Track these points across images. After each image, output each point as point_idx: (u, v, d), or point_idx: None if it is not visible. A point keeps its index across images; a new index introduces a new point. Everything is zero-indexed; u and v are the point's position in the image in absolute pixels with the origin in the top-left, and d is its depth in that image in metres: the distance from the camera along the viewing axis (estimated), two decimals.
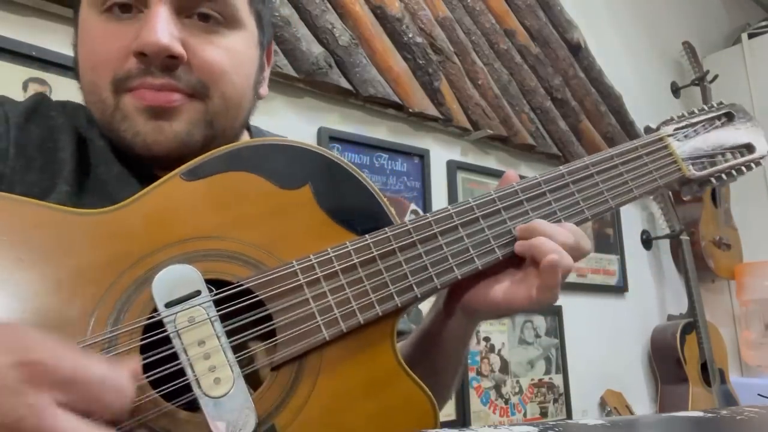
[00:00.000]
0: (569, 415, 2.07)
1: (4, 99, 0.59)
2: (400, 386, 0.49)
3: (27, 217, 0.44)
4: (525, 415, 1.94)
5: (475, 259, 0.54)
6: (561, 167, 0.60)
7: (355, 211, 0.52)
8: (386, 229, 0.52)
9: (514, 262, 0.57)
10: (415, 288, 0.51)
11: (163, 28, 0.51)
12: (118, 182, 0.57)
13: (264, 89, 0.66)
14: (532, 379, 1.99)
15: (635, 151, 0.65)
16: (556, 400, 2.05)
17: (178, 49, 0.52)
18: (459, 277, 0.53)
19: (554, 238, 0.54)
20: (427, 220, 0.54)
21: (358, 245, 0.50)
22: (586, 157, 0.62)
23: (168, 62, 0.53)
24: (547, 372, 2.05)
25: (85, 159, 0.58)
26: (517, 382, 1.94)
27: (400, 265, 0.51)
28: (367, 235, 0.51)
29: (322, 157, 0.53)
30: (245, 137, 0.68)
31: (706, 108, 0.71)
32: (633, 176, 0.63)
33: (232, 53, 0.57)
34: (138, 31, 0.52)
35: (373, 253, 0.50)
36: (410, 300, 0.51)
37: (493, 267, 0.56)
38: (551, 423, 0.39)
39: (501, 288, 0.56)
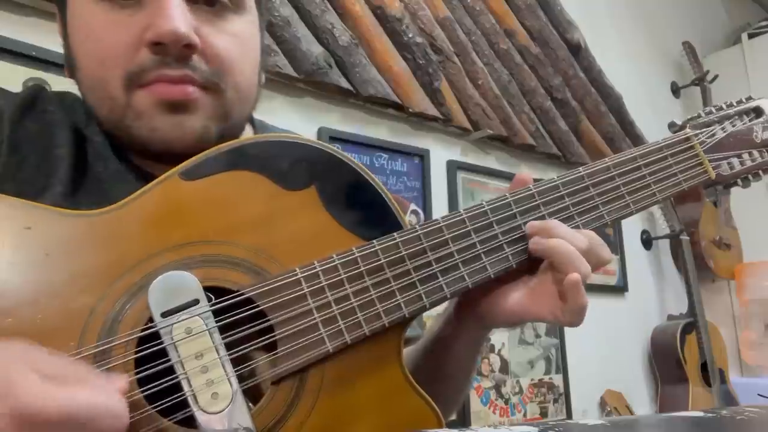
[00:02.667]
0: (569, 415, 2.07)
1: None
2: (407, 401, 0.47)
3: (17, 218, 0.42)
4: (525, 415, 1.94)
5: (488, 267, 0.52)
6: (581, 168, 0.57)
7: (363, 214, 0.49)
8: (395, 234, 0.49)
9: (528, 266, 0.54)
10: (424, 298, 0.49)
11: (179, 15, 0.48)
12: (115, 181, 0.54)
13: (261, 76, 0.63)
14: (532, 379, 1.99)
15: (660, 152, 0.61)
16: (556, 400, 2.05)
17: (195, 37, 0.49)
18: (470, 286, 0.51)
19: (571, 241, 0.51)
20: (438, 225, 0.51)
21: (365, 252, 0.48)
22: (607, 157, 0.59)
23: (184, 52, 0.50)
24: (547, 372, 2.05)
25: (82, 156, 0.55)
26: (517, 382, 1.94)
27: (409, 273, 0.49)
28: (374, 241, 0.48)
29: (329, 155, 0.49)
30: (248, 131, 0.65)
31: (734, 102, 0.67)
32: (656, 179, 0.60)
33: (241, 40, 0.54)
34: (148, 19, 0.49)
35: (380, 260, 0.48)
36: (418, 310, 0.49)
37: (509, 273, 0.54)
38: (551, 423, 0.38)
39: (516, 297, 0.54)
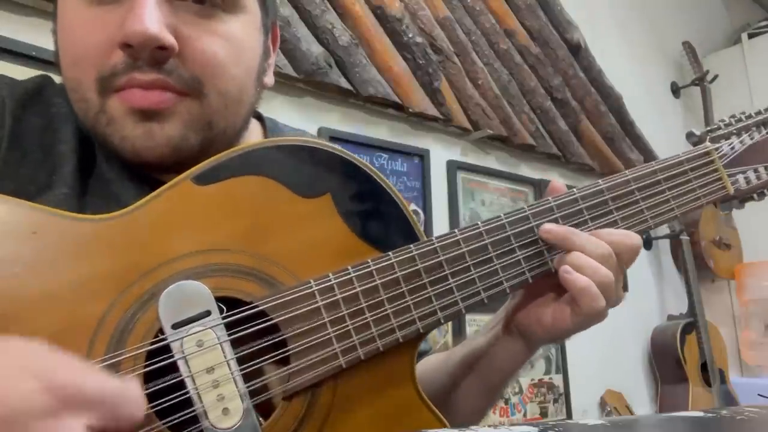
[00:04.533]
0: (569, 415, 2.07)
1: (2, 81, 0.53)
2: (418, 417, 0.46)
3: (24, 222, 0.41)
4: (525, 415, 1.94)
5: (504, 282, 0.51)
6: (600, 181, 0.57)
7: (379, 224, 0.48)
8: (411, 247, 0.48)
9: (546, 279, 0.54)
10: (439, 312, 0.48)
11: (150, 15, 0.45)
12: (121, 181, 0.52)
13: (269, 78, 0.59)
14: (532, 379, 1.99)
15: (680, 166, 0.60)
16: (556, 400, 2.05)
17: (168, 39, 0.46)
18: (485, 302, 0.50)
19: (585, 250, 0.51)
20: (456, 238, 0.50)
21: (381, 265, 0.46)
22: (628, 170, 0.58)
23: (157, 54, 0.46)
24: (547, 372, 2.05)
25: (89, 155, 0.52)
26: (517, 381, 1.94)
27: (425, 287, 0.48)
28: (390, 253, 0.47)
29: (345, 161, 0.48)
30: (256, 131, 0.63)
31: (752, 114, 0.67)
32: (675, 194, 0.59)
33: (232, 42, 0.50)
34: (123, 18, 0.45)
35: (396, 273, 0.47)
36: (433, 325, 0.48)
37: (543, 285, 0.54)
38: (551, 423, 0.38)
39: (550, 310, 0.53)
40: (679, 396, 2.35)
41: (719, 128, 0.65)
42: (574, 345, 2.14)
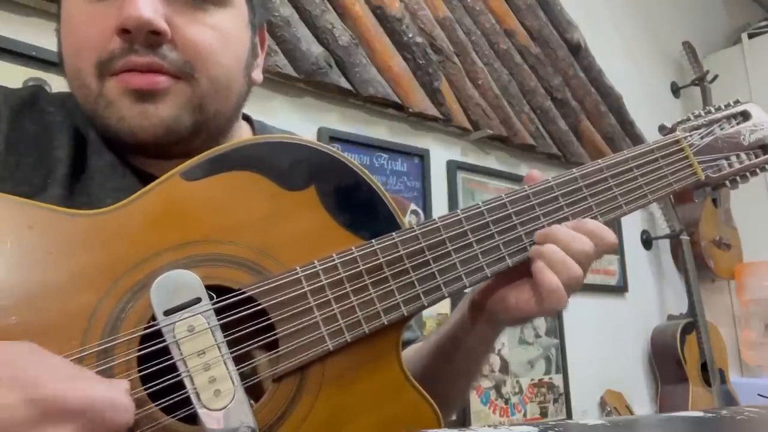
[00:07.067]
0: (569, 415, 2.07)
1: None
2: (405, 398, 0.47)
3: (20, 217, 0.42)
4: (525, 415, 1.94)
5: (485, 267, 0.52)
6: (574, 170, 0.58)
7: (362, 214, 0.50)
8: (394, 234, 0.50)
9: (527, 265, 0.55)
10: (423, 297, 0.49)
11: (145, 2, 0.49)
12: (108, 177, 0.55)
13: (258, 75, 0.63)
14: (532, 379, 1.99)
15: (651, 154, 0.62)
16: (556, 400, 2.05)
17: (161, 23, 0.50)
18: (467, 286, 0.52)
19: (568, 247, 0.52)
20: (436, 225, 0.52)
21: (365, 251, 0.48)
22: (600, 159, 0.60)
23: (151, 39, 0.50)
24: (547, 372, 2.05)
25: (82, 158, 0.55)
26: (517, 382, 1.94)
27: (407, 272, 0.49)
28: (374, 241, 0.49)
29: (327, 156, 0.50)
30: (245, 130, 0.66)
31: (722, 106, 0.69)
32: (647, 180, 0.61)
33: (219, 32, 0.54)
34: (120, 8, 0.50)
35: (379, 259, 0.49)
36: (417, 309, 0.49)
37: (513, 271, 0.55)
38: (551, 423, 0.38)
39: (515, 293, 0.55)
40: (679, 396, 2.35)
41: (690, 120, 0.67)
42: (574, 345, 2.14)
